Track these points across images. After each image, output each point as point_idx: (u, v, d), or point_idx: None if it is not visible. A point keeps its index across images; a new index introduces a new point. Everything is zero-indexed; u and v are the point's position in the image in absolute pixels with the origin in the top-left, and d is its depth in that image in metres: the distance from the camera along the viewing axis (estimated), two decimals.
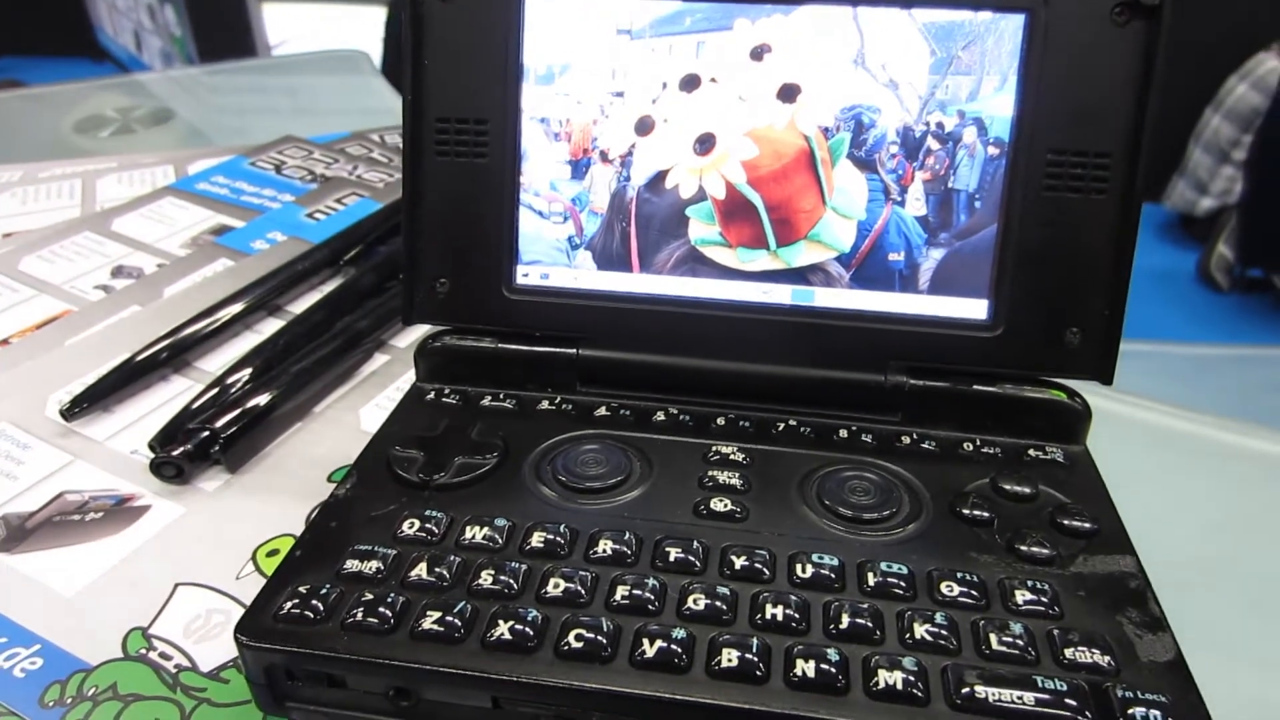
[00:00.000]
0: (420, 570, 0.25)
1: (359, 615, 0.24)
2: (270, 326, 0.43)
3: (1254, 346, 1.53)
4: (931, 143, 0.29)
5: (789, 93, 0.30)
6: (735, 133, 0.30)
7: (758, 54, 0.30)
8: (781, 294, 0.31)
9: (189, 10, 3.46)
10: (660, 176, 0.31)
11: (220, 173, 0.59)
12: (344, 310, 0.42)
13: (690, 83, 0.30)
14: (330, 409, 0.38)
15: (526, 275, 0.33)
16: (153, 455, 0.34)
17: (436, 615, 0.24)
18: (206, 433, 0.34)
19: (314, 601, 0.24)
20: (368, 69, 0.85)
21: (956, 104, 0.29)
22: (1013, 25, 0.28)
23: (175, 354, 0.40)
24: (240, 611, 0.28)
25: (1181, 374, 0.64)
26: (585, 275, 0.32)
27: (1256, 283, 2.31)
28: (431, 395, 0.33)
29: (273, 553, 0.31)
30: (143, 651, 0.28)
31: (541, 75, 0.31)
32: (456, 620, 0.24)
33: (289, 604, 0.24)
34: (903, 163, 0.30)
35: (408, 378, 0.40)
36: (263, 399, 0.36)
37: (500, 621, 0.23)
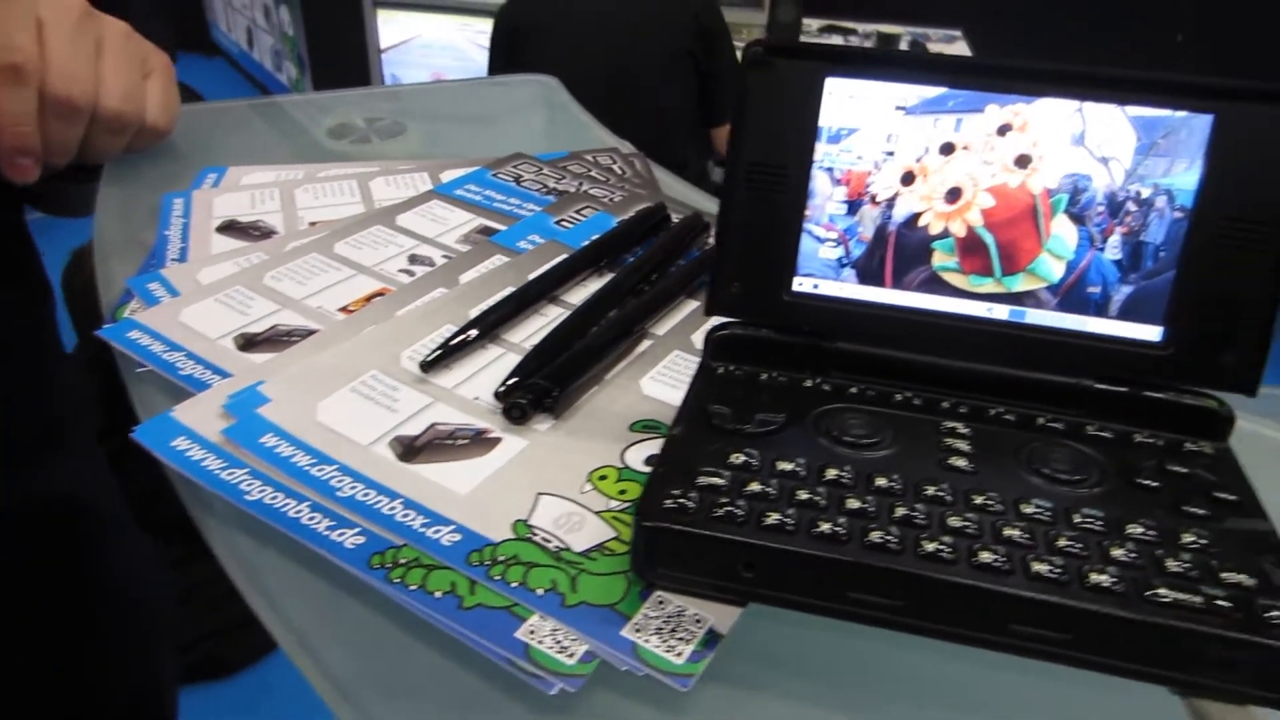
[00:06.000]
0: (754, 486, 0.35)
1: (720, 512, 0.34)
2: (551, 311, 0.54)
3: None
4: (1130, 205, 0.39)
5: (1023, 161, 0.40)
6: (978, 188, 0.40)
7: (1002, 131, 0.40)
8: (1001, 312, 0.41)
9: (305, 10, 3.64)
10: (915, 217, 0.41)
11: (471, 181, 0.70)
12: (613, 303, 0.53)
13: (947, 149, 0.41)
14: (617, 378, 0.49)
15: (802, 284, 0.43)
16: (498, 401, 0.45)
17: (775, 516, 0.34)
18: (544, 385, 0.45)
19: (684, 501, 0.35)
20: (560, 93, 0.96)
21: (1153, 178, 0.39)
22: (1202, 122, 0.38)
23: (491, 328, 0.51)
24: (590, 516, 0.39)
25: None
26: (848, 288, 0.42)
27: None
28: (721, 370, 0.43)
29: (603, 477, 0.42)
30: (529, 535, 0.39)
31: (832, 135, 0.41)
32: (788, 520, 0.34)
33: (669, 501, 0.35)
34: (1106, 219, 0.40)
35: (671, 359, 0.50)
36: (577, 364, 0.47)
37: (820, 523, 0.34)
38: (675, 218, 0.65)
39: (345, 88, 0.95)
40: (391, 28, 3.53)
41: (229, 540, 0.39)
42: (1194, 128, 0.38)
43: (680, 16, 2.21)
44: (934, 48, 3.06)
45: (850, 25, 3.21)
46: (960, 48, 3.10)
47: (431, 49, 3.55)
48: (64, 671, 0.85)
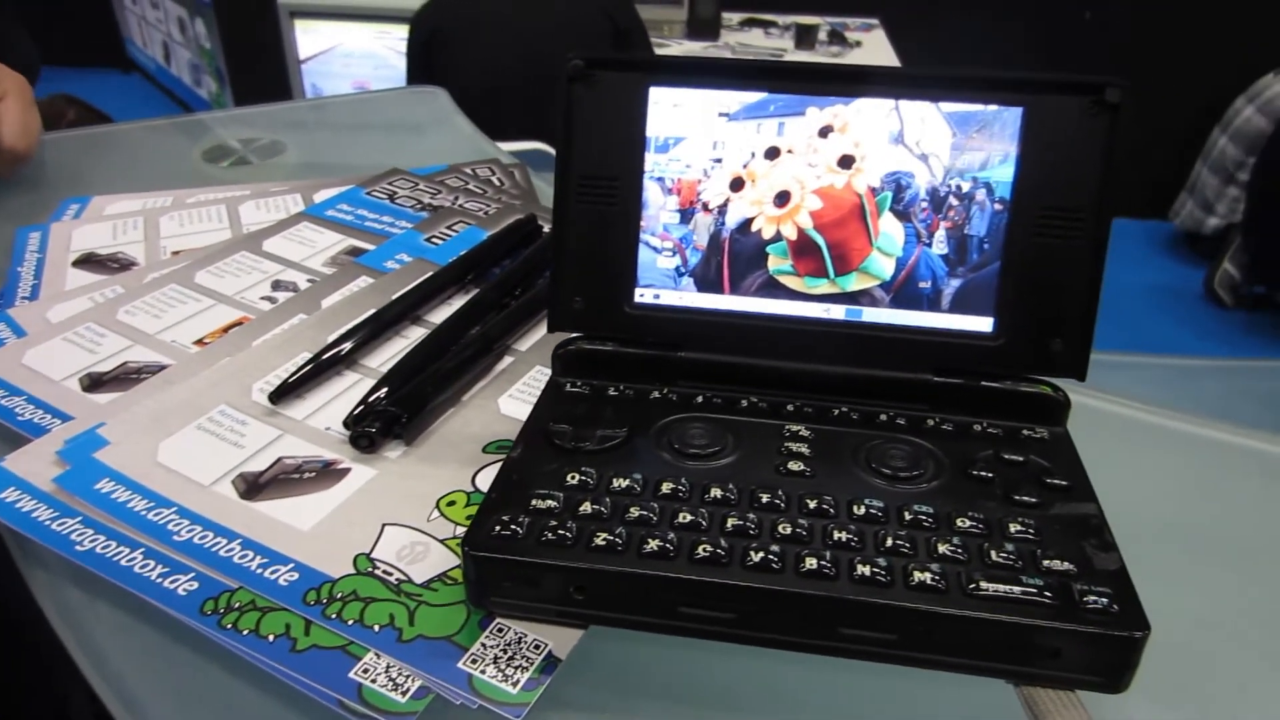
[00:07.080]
0: (586, 506, 0.35)
1: (549, 536, 0.34)
2: (413, 333, 0.54)
3: (1240, 359, 1.63)
4: (952, 200, 0.40)
5: (847, 161, 0.40)
6: (805, 191, 0.41)
7: (824, 133, 0.40)
8: (837, 311, 0.41)
9: (220, 24, 3.58)
10: (748, 223, 0.41)
11: (344, 201, 0.69)
12: (475, 320, 0.53)
13: (772, 153, 0.41)
14: (475, 398, 0.48)
15: (643, 295, 0.43)
16: (349, 430, 0.44)
17: (604, 536, 0.34)
18: (393, 412, 0.44)
19: (514, 527, 0.34)
20: (446, 104, 0.95)
21: (971, 172, 0.39)
22: (1013, 115, 0.39)
23: (347, 354, 0.50)
24: (435, 544, 0.39)
25: (1168, 381, 0.73)
26: (688, 296, 0.42)
27: (1261, 299, 2.39)
28: (568, 386, 0.43)
29: (451, 503, 0.41)
30: (370, 570, 0.38)
31: (660, 145, 0.41)
32: (618, 539, 0.34)
33: (497, 528, 0.34)
34: (930, 214, 0.40)
35: (531, 375, 0.50)
36: (430, 388, 0.46)
37: (649, 540, 0.34)
38: (549, 228, 0.65)
39: (266, 100, 0.93)
40: (311, 38, 3.47)
41: (58, 595, 0.38)
42: (1006, 121, 0.39)
43: (592, 16, 2.20)
44: (852, 37, 3.08)
45: (770, 18, 3.21)
46: (878, 36, 3.12)
47: (353, 58, 3.51)
48: None
